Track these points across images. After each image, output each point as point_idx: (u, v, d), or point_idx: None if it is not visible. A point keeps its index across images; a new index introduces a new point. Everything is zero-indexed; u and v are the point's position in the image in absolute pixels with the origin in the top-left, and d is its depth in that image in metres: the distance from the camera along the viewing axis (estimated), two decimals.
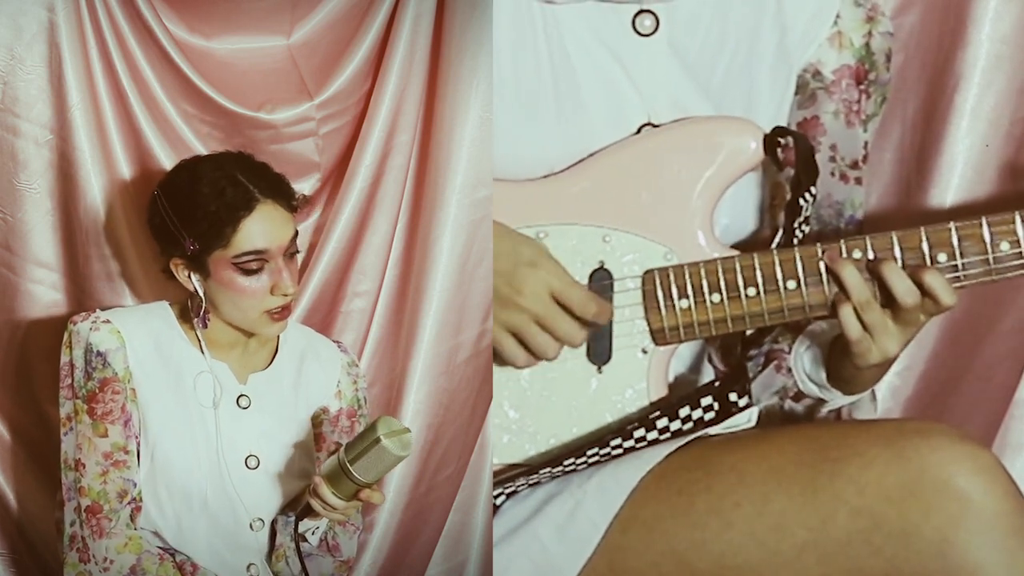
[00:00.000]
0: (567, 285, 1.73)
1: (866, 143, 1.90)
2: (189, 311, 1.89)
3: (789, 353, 1.89)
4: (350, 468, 1.77)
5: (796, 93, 1.88)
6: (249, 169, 1.86)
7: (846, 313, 1.71)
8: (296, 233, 1.87)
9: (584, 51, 1.78)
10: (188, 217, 1.82)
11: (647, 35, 1.80)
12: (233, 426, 1.88)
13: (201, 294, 1.84)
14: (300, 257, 1.94)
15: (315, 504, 1.81)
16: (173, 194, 1.86)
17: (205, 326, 1.87)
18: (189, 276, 1.85)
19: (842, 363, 1.80)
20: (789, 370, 1.88)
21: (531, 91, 1.77)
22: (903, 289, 1.70)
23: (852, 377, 1.81)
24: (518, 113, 1.77)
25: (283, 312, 1.85)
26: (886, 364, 1.78)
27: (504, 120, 1.77)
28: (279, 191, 1.86)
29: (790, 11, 1.85)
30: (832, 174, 1.89)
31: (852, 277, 1.71)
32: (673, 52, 1.80)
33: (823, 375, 1.85)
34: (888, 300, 1.71)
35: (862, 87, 1.88)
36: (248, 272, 1.82)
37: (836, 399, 1.88)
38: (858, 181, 1.91)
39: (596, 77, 1.78)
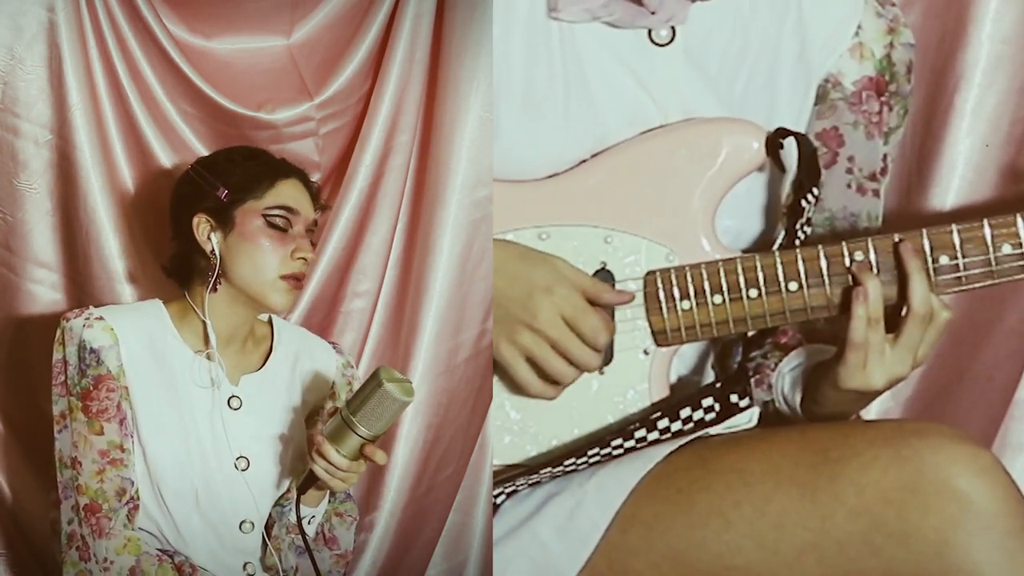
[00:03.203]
0: (580, 312, 1.72)
1: (886, 155, 1.89)
2: (183, 309, 1.89)
3: (773, 371, 1.88)
4: (354, 420, 1.75)
5: (816, 103, 1.86)
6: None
7: (859, 316, 1.70)
8: (316, 222, 1.93)
9: (597, 59, 1.77)
10: (225, 171, 1.88)
11: (663, 45, 1.79)
12: (223, 427, 1.87)
13: (218, 254, 1.85)
14: None
15: (318, 467, 1.79)
16: (208, 160, 1.94)
17: (215, 290, 1.86)
18: (209, 236, 1.86)
19: (819, 388, 1.79)
20: (770, 386, 1.88)
21: (543, 96, 1.76)
22: (920, 293, 1.69)
23: (825, 403, 1.79)
24: (527, 118, 1.76)
25: (297, 282, 1.87)
26: (861, 399, 1.78)
27: (513, 125, 1.76)
28: (308, 181, 1.94)
29: (811, 21, 1.83)
30: (848, 186, 1.87)
31: (875, 292, 1.70)
32: (690, 62, 1.79)
33: (798, 399, 1.84)
34: (893, 326, 1.71)
35: (883, 99, 1.86)
36: (274, 227, 1.85)
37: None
38: (875, 193, 1.89)
39: (609, 85, 1.77)
